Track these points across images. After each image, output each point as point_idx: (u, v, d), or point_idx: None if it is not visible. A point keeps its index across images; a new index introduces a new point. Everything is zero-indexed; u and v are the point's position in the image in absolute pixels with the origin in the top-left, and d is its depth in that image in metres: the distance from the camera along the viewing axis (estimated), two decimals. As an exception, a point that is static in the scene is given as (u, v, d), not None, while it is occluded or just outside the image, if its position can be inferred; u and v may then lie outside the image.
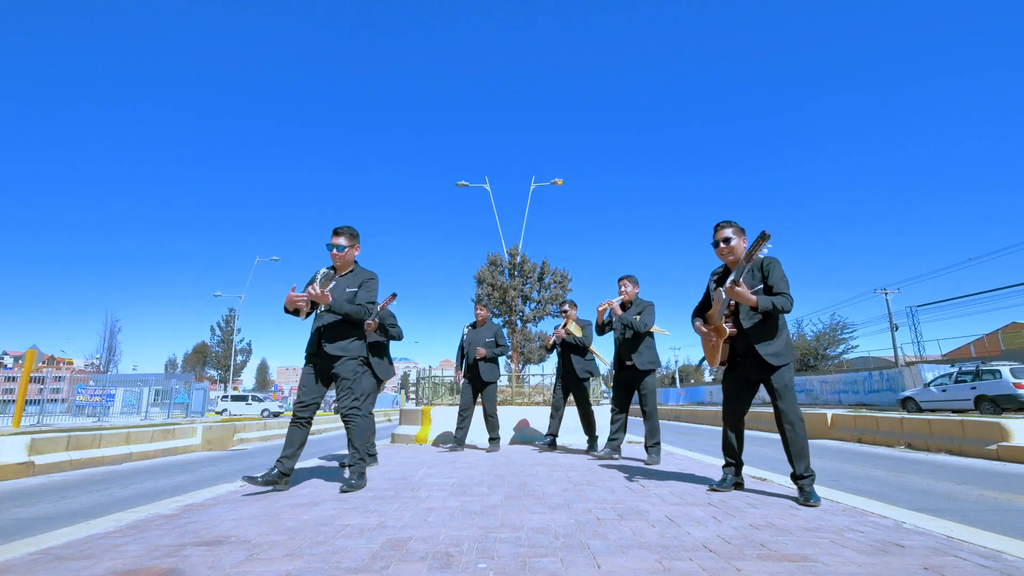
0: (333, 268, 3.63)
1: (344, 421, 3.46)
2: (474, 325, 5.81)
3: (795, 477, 2.92)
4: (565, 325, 5.55)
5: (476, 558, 1.87)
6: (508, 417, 7.00)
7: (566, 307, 5.65)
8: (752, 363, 3.04)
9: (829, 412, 10.87)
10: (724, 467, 3.28)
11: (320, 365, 3.44)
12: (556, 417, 5.64)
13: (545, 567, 1.76)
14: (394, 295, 4.97)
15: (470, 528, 2.31)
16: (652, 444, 4.56)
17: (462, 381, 5.73)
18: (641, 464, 4.47)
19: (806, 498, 2.79)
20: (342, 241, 3.54)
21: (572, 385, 5.53)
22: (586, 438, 5.69)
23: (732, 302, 3.03)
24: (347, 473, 3.52)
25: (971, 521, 3.11)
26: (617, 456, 4.87)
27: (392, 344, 5.19)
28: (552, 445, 5.66)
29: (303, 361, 3.55)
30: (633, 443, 6.33)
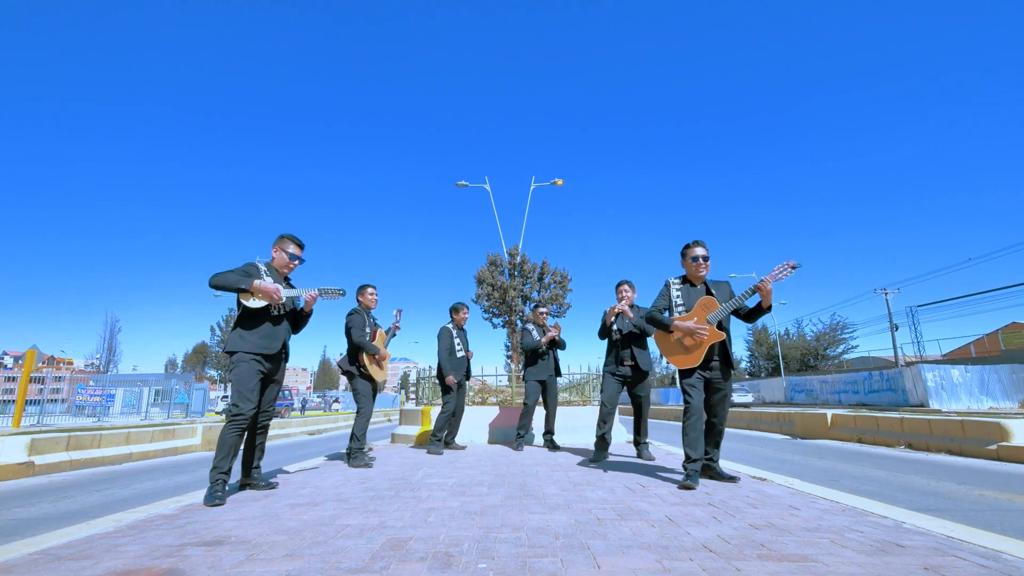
0: (268, 265, 3.46)
1: (264, 426, 3.44)
2: (454, 326, 5.76)
3: (712, 461, 3.55)
4: (553, 326, 5.74)
5: (476, 558, 1.87)
6: (508, 417, 7.03)
7: (542, 309, 5.96)
8: (719, 366, 3.44)
9: (829, 412, 10.84)
10: (689, 462, 3.34)
11: (268, 367, 3.30)
12: (529, 416, 5.77)
13: (545, 567, 1.76)
14: (400, 311, 5.35)
15: (470, 528, 2.31)
16: (645, 441, 4.88)
17: (454, 383, 5.53)
18: (641, 464, 4.48)
19: (729, 478, 3.43)
20: (302, 255, 3.55)
21: (550, 382, 5.69)
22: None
23: (727, 312, 3.40)
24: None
25: (971, 521, 3.11)
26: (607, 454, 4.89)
27: (392, 344, 5.21)
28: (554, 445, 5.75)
29: (247, 358, 3.24)
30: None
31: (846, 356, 40.45)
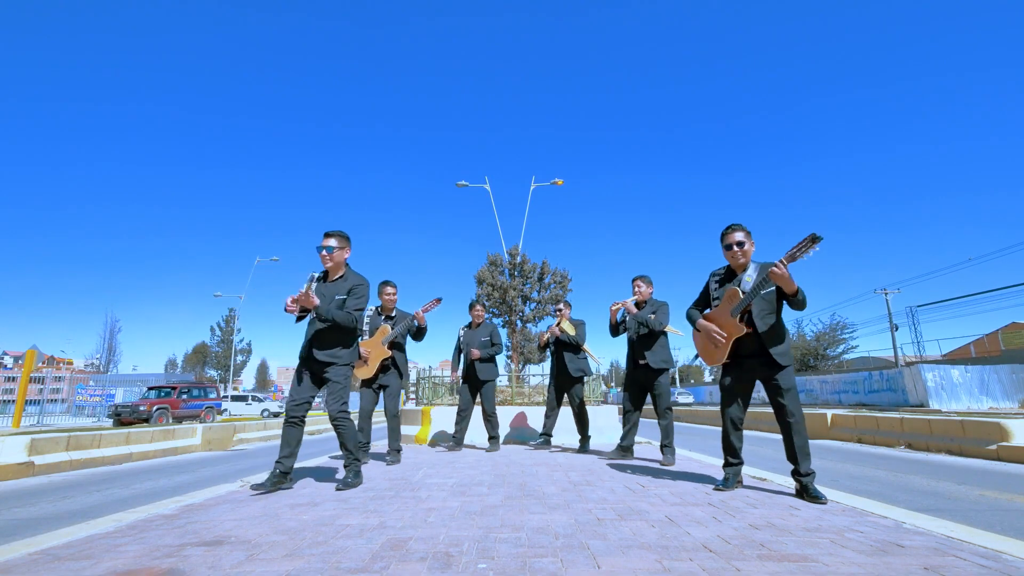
0: (324, 272, 3.64)
1: (334, 425, 3.53)
2: (470, 326, 5.83)
3: (799, 474, 2.97)
4: (559, 323, 5.61)
5: (476, 558, 1.87)
6: (506, 416, 7.02)
7: (560, 306, 5.76)
8: (759, 362, 3.11)
9: (829, 412, 10.86)
10: (728, 467, 3.28)
11: (312, 369, 3.47)
12: (551, 416, 5.66)
13: (545, 567, 1.76)
14: (438, 299, 4.98)
15: (470, 528, 2.31)
16: (667, 444, 4.53)
17: (460, 382, 5.76)
18: (642, 464, 4.47)
19: (813, 496, 2.84)
20: (332, 243, 3.55)
21: (566, 384, 5.53)
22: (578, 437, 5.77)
23: (749, 302, 3.09)
24: (341, 473, 3.56)
25: (971, 521, 3.11)
26: (629, 457, 4.83)
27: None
28: (547, 443, 5.68)
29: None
30: (640, 443, 6.33)
31: (846, 356, 40.42)
